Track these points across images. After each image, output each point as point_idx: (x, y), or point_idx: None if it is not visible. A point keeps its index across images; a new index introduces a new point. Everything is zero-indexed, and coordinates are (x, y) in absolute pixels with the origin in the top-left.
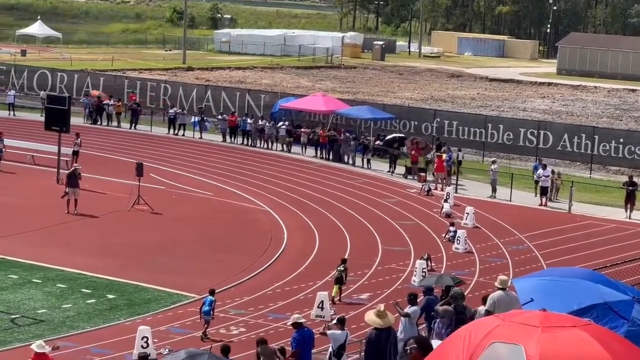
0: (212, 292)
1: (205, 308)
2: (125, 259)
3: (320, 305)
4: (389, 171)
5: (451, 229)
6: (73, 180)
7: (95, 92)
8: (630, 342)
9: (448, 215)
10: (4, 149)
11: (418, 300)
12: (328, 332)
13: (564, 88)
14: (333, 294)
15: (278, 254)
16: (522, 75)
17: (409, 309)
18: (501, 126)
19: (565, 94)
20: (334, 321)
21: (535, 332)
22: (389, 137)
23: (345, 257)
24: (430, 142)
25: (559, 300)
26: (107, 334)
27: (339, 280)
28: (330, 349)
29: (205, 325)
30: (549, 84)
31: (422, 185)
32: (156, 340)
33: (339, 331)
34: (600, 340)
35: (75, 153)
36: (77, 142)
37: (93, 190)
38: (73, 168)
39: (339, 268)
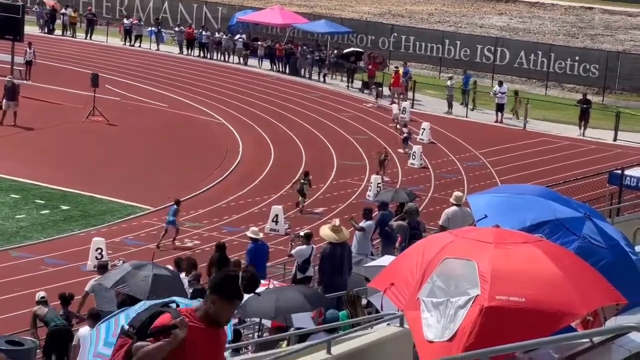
0: (177, 202)
1: (170, 218)
2: (80, 170)
3: (275, 219)
4: (347, 86)
5: (405, 129)
6: (9, 93)
7: (50, 2)
8: (580, 257)
9: (397, 119)
10: None
11: (373, 215)
12: (293, 251)
13: (521, 5)
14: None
15: (233, 167)
16: None
17: (363, 224)
18: (458, 42)
19: (523, 10)
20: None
21: (488, 249)
22: (346, 50)
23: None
24: (387, 57)
25: (512, 216)
26: (61, 244)
27: (302, 193)
28: (295, 264)
29: (164, 233)
30: (507, 0)
31: (376, 100)
32: (110, 252)
33: (305, 246)
34: (552, 255)
35: (29, 63)
36: (29, 52)
37: (47, 100)
38: (7, 79)
39: (302, 181)
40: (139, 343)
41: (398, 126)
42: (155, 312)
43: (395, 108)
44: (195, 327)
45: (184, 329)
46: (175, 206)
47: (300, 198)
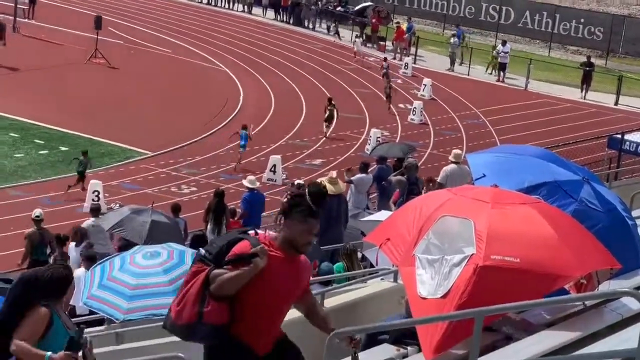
0: (245, 127)
1: (242, 142)
2: (81, 112)
3: (273, 169)
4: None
5: (384, 64)
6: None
7: None
8: (577, 220)
9: (361, 53)
10: None
11: (370, 170)
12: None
13: None
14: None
15: (233, 115)
16: None
17: (356, 177)
18: None
19: None
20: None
21: (485, 208)
22: (360, 6)
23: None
24: (392, 11)
25: (510, 177)
26: (59, 186)
27: (330, 118)
28: None
29: (240, 157)
30: None
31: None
32: (107, 195)
33: None
34: (548, 217)
35: (32, 1)
36: None
37: (50, 40)
38: None
39: (329, 107)
40: (217, 270)
41: (357, 57)
42: (232, 239)
43: (358, 43)
44: (273, 256)
45: (264, 257)
46: (244, 131)
47: (325, 125)
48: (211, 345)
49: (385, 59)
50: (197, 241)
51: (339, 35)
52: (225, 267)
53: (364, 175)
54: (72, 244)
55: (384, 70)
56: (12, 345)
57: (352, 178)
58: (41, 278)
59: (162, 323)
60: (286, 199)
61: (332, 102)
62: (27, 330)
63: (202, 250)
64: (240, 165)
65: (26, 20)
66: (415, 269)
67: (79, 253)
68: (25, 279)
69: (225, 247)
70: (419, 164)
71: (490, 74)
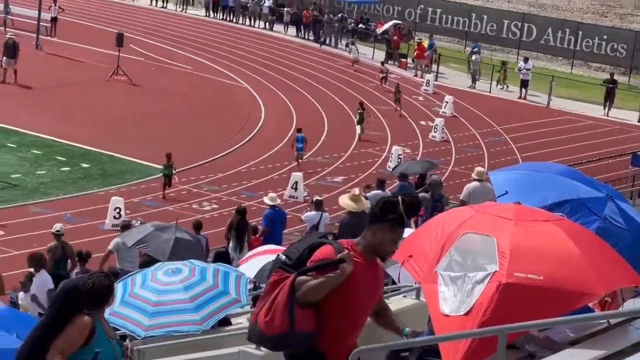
0: (299, 130)
1: (299, 145)
2: (101, 129)
3: (294, 186)
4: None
5: (383, 68)
6: (9, 50)
7: None
8: (601, 238)
9: (356, 61)
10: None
11: (392, 187)
12: (303, 216)
13: None
14: (358, 133)
15: (254, 132)
16: None
17: (371, 193)
18: (485, 16)
19: None
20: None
21: (508, 225)
22: (387, 25)
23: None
24: (413, 28)
25: (533, 194)
26: (80, 202)
27: (361, 121)
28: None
29: (299, 158)
30: None
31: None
32: (128, 212)
33: (314, 212)
34: (572, 234)
35: (54, 19)
36: (54, 8)
37: (72, 58)
38: (8, 37)
39: (359, 111)
40: (302, 277)
41: (355, 65)
42: (314, 244)
43: (354, 50)
44: (357, 262)
45: (350, 263)
46: (300, 134)
47: (358, 128)
48: (291, 355)
49: (382, 63)
50: (220, 258)
51: (351, 50)
52: (309, 273)
53: (379, 191)
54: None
55: (383, 75)
56: (48, 356)
57: (367, 194)
58: (83, 287)
59: (187, 339)
60: (380, 202)
61: (363, 105)
62: (67, 340)
63: (282, 256)
64: (300, 165)
65: (48, 37)
66: (438, 286)
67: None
68: (67, 287)
69: (307, 252)
70: (442, 181)
71: (502, 88)
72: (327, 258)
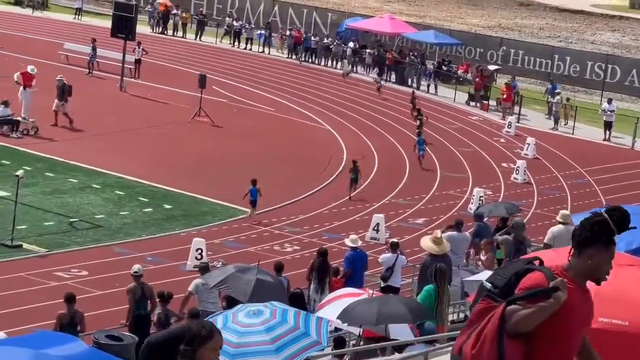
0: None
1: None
2: (184, 170)
3: (376, 228)
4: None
5: (377, 78)
6: (59, 92)
7: (164, 3)
8: None
9: (347, 74)
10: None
11: (470, 230)
12: (380, 258)
13: (635, 22)
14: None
15: (336, 174)
16: (594, 7)
17: (446, 234)
18: (568, 58)
19: (637, 28)
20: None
21: None
22: (492, 68)
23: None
24: (495, 70)
25: (618, 238)
26: (162, 243)
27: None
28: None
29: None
30: (621, 17)
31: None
32: (210, 253)
33: (390, 254)
34: None
35: (138, 61)
36: (138, 50)
37: (155, 99)
38: (58, 79)
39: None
40: (513, 306)
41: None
42: (521, 270)
43: (346, 64)
44: (570, 288)
45: (565, 290)
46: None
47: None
48: None
49: (378, 74)
50: (295, 300)
51: (343, 64)
52: (518, 302)
53: (454, 233)
54: None
55: (378, 85)
56: None
57: (443, 235)
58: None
59: None
60: (589, 221)
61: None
62: None
63: (487, 284)
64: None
65: (132, 79)
66: None
67: None
68: (152, 344)
69: (514, 280)
70: (525, 223)
71: (565, 124)
72: (537, 285)
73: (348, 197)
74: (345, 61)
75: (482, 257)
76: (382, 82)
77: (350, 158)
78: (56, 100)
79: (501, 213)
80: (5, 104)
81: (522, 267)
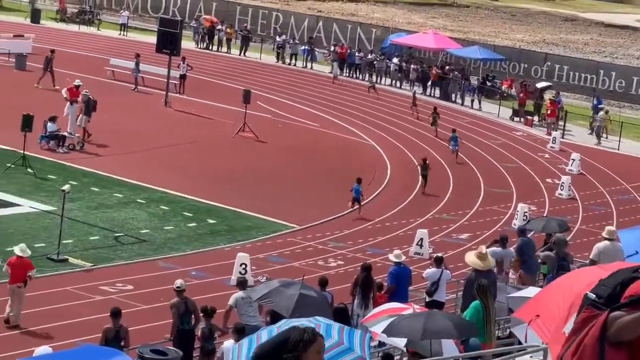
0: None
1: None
2: (228, 185)
3: (420, 243)
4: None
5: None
6: (85, 107)
7: (209, 19)
8: None
9: (335, 78)
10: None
11: (514, 246)
12: (424, 273)
13: None
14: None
15: (380, 189)
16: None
17: (489, 250)
18: (613, 73)
19: None
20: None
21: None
22: (541, 85)
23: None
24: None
25: None
26: (207, 258)
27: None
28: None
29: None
30: None
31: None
32: (254, 268)
33: (434, 269)
34: None
35: (183, 77)
36: (183, 66)
37: (199, 114)
38: (83, 94)
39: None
40: (616, 313)
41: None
42: (626, 278)
43: (335, 66)
44: None
45: None
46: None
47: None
48: None
49: (371, 75)
50: (339, 315)
51: (332, 67)
52: (623, 308)
53: (497, 249)
54: None
55: (370, 85)
56: None
57: (487, 251)
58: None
59: None
60: None
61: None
62: None
63: (591, 295)
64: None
65: (177, 95)
66: None
67: None
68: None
69: (619, 289)
70: (568, 240)
71: (605, 138)
72: None
73: (422, 193)
74: (335, 64)
75: (512, 276)
76: (375, 84)
77: (393, 172)
78: (83, 116)
79: (554, 229)
80: (53, 119)
81: (627, 276)
